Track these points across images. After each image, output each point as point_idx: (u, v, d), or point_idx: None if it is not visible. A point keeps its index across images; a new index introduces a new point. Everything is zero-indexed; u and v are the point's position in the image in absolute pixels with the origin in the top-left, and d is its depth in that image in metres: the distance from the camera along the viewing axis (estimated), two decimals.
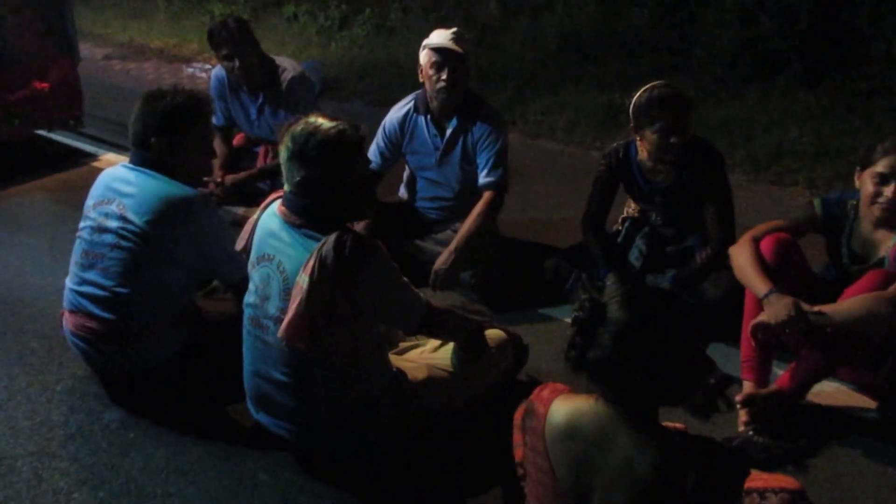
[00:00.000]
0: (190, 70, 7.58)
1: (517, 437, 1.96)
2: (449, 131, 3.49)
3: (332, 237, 2.13)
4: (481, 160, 3.46)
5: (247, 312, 2.39)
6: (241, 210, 4.07)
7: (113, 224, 2.63)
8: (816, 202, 2.81)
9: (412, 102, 3.58)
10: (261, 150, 4.31)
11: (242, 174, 4.15)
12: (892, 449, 2.52)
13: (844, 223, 2.74)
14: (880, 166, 2.53)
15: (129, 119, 2.73)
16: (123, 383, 2.78)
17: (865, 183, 2.59)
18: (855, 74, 5.81)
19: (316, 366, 2.25)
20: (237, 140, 4.42)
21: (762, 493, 1.95)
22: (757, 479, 1.98)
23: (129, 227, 2.60)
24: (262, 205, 2.44)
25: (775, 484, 1.98)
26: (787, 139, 5.12)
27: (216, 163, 4.16)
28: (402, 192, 3.81)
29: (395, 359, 2.52)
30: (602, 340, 1.63)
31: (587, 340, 1.64)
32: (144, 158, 2.69)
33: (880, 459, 2.49)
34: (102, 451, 2.53)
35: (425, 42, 3.41)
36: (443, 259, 3.33)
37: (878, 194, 2.55)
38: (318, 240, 2.17)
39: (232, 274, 2.70)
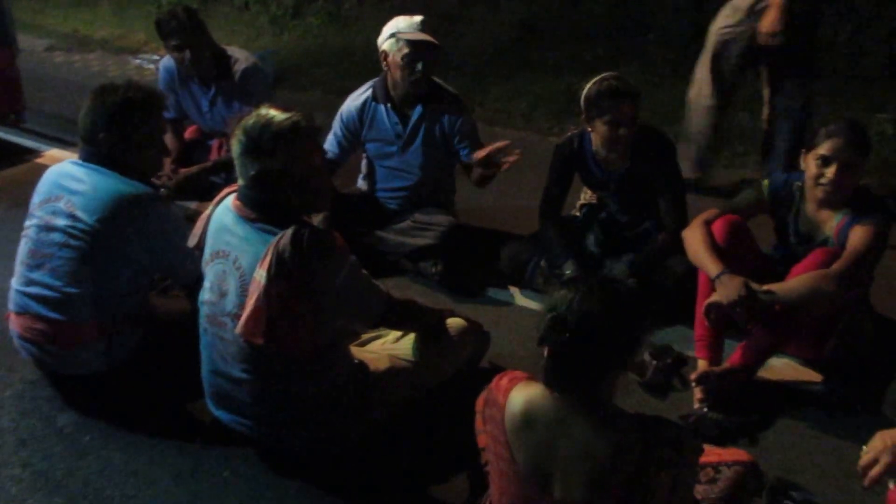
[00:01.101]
0: (137, 61, 7.42)
1: (479, 423, 1.99)
2: (413, 119, 3.49)
3: (289, 231, 2.11)
4: (463, 144, 3.48)
5: (202, 310, 2.36)
6: (194, 204, 4.01)
7: (61, 222, 2.57)
8: (764, 184, 2.87)
9: (370, 90, 3.56)
10: (214, 142, 4.26)
11: (195, 168, 4.09)
12: (836, 420, 2.62)
13: (791, 204, 2.81)
14: (823, 149, 2.61)
15: (73, 113, 2.68)
16: (76, 386, 2.72)
17: (809, 164, 2.66)
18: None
19: (276, 361, 2.24)
20: (189, 133, 4.36)
21: (716, 467, 2.01)
22: (711, 454, 2.04)
23: (79, 225, 2.55)
24: (216, 199, 2.40)
25: (729, 458, 2.05)
26: (737, 124, 5.22)
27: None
28: (361, 182, 3.79)
29: (356, 350, 2.52)
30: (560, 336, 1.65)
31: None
32: (95, 154, 2.64)
33: (825, 430, 2.58)
34: (56, 457, 2.47)
35: (393, 30, 3.36)
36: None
37: (820, 175, 2.63)
38: (274, 234, 2.14)
39: (186, 273, 2.66)
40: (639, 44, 6.55)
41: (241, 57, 4.04)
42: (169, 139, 4.11)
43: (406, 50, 3.32)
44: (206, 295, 2.33)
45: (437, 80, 3.56)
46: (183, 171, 4.05)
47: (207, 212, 2.40)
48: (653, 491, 1.65)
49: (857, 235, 2.58)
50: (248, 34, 7.97)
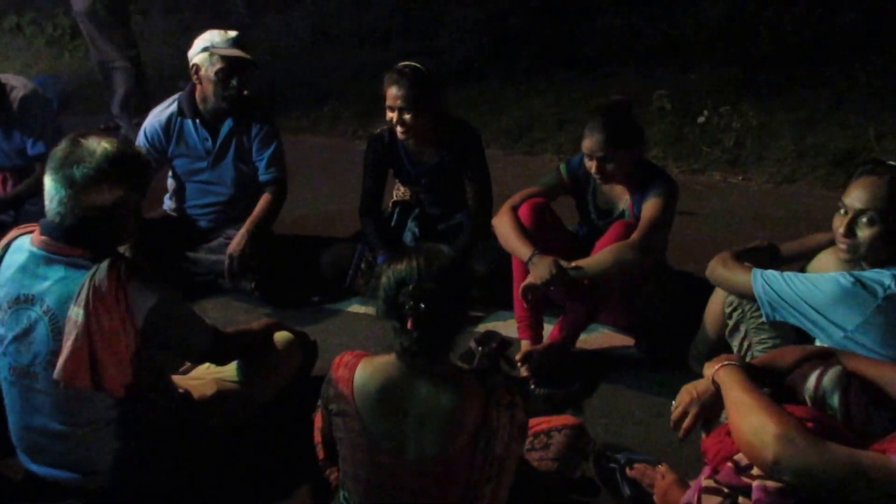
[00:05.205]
0: None
1: (318, 419, 2.04)
2: (223, 133, 3.41)
3: (105, 264, 2.00)
4: (262, 157, 3.43)
5: (3, 363, 2.16)
6: None
7: None
8: (562, 167, 3.02)
9: (174, 105, 3.43)
10: None
11: None
12: (651, 378, 2.80)
13: (588, 183, 2.99)
14: (584, 146, 2.79)
15: None
16: None
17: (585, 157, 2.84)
18: (583, 47, 6.34)
19: (96, 405, 2.11)
20: None
21: (548, 433, 2.14)
22: (543, 422, 2.17)
23: None
24: (3, 242, 2.21)
25: (558, 423, 2.18)
26: (533, 112, 5.49)
27: None
28: (168, 202, 3.64)
29: (179, 379, 2.43)
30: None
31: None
32: None
33: (642, 389, 2.77)
34: None
35: (207, 44, 3.27)
36: (236, 242, 3.29)
37: (590, 168, 2.81)
38: (87, 268, 2.02)
39: None
40: (432, 42, 6.73)
41: (17, 84, 3.75)
42: None
43: (220, 65, 3.25)
44: (6, 346, 2.14)
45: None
46: None
47: None
48: (495, 432, 1.77)
49: (649, 206, 2.78)
50: (23, 59, 7.47)
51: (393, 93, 3.12)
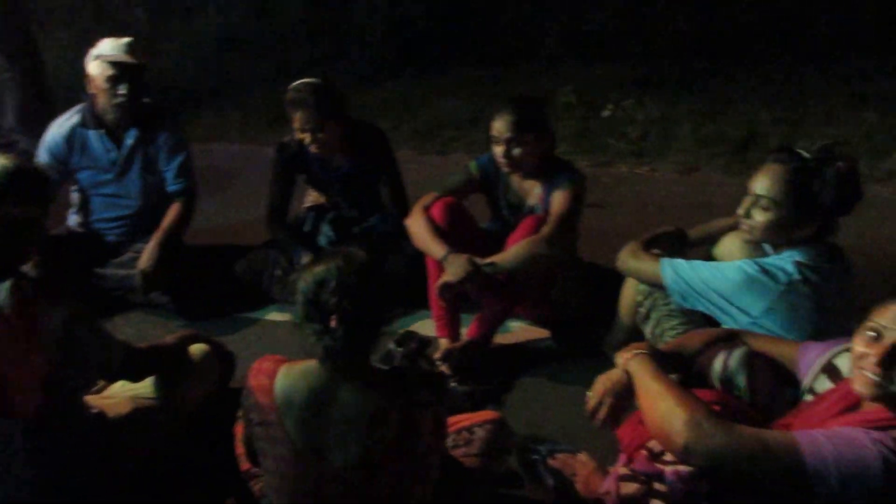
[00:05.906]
0: None
1: (239, 429, 2.01)
2: (129, 143, 3.32)
3: (6, 285, 1.93)
4: (170, 167, 3.38)
5: None
6: None
7: None
8: (472, 164, 3.06)
9: (77, 116, 3.34)
10: None
11: None
12: (568, 369, 2.86)
13: (498, 179, 3.03)
14: (492, 129, 2.84)
15: None
16: None
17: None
18: (490, 45, 6.43)
19: (8, 433, 2.02)
20: None
21: (470, 429, 2.15)
22: (464, 419, 2.18)
23: None
24: None
25: (480, 419, 2.20)
26: (445, 111, 5.53)
27: None
28: (73, 217, 3.52)
29: (93, 399, 2.35)
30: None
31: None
32: None
33: (559, 380, 2.82)
34: None
35: (96, 53, 3.20)
36: (146, 256, 3.23)
37: (497, 155, 2.85)
38: None
39: None
40: (340, 46, 6.71)
41: None
42: None
43: (109, 72, 3.18)
44: None
45: (153, 103, 3.43)
46: None
47: None
48: (419, 431, 1.78)
49: (558, 200, 2.84)
50: None
51: (299, 116, 3.13)
